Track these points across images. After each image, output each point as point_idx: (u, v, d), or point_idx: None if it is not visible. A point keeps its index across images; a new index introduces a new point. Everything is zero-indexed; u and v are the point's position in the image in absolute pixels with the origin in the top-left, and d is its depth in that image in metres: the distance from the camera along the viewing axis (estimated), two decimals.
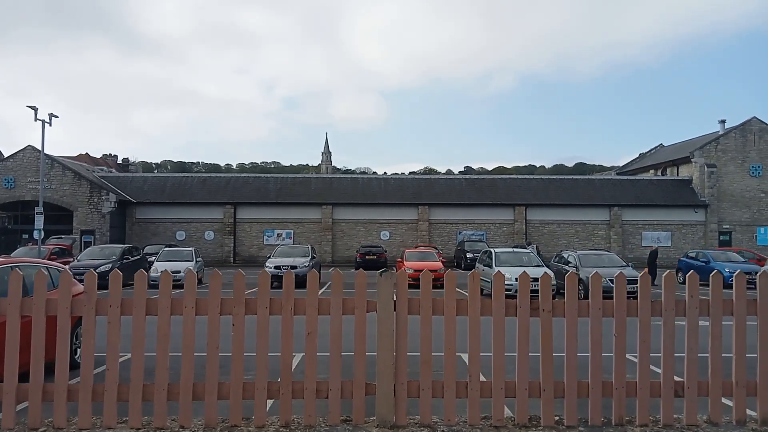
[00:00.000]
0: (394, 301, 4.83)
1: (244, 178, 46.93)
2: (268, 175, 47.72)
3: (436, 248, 39.28)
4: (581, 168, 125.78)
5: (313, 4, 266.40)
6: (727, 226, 42.37)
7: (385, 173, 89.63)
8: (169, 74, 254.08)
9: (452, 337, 4.84)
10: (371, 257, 36.41)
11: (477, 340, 4.85)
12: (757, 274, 5.05)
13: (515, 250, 24.25)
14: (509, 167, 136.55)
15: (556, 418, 4.90)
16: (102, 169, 76.92)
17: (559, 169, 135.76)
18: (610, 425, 4.84)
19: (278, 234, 42.86)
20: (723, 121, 44.70)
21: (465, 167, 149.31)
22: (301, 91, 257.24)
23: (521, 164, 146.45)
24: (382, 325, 4.79)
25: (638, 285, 4.98)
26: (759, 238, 40.97)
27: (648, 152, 55.20)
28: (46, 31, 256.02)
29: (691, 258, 29.70)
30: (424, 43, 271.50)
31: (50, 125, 24.34)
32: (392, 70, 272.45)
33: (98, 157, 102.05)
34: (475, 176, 56.38)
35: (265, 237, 42.75)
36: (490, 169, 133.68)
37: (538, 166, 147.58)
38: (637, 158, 55.55)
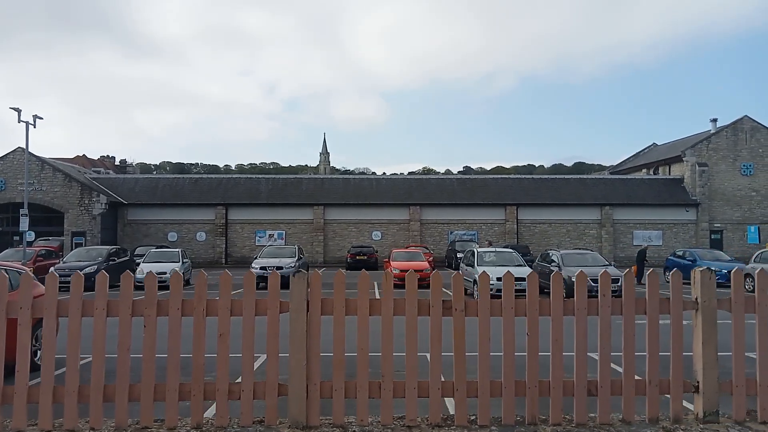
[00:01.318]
0: (308, 302, 4.85)
1: (235, 179, 46.96)
2: (260, 176, 47.79)
3: (426, 248, 39.34)
4: (580, 167, 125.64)
5: (314, 7, 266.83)
6: (719, 225, 42.35)
7: (384, 173, 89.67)
8: (171, 76, 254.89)
9: (365, 338, 4.86)
10: (362, 257, 36.50)
11: (390, 340, 4.87)
12: (670, 272, 5.05)
13: (498, 249, 24.25)
14: (508, 167, 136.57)
15: (471, 417, 4.91)
16: (99, 171, 76.94)
17: (558, 168, 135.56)
18: (523, 424, 4.86)
19: (270, 235, 42.89)
20: (715, 120, 44.69)
21: (464, 167, 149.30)
22: (302, 92, 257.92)
23: (520, 164, 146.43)
24: (294, 326, 4.81)
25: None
26: (749, 236, 40.94)
27: (641, 151, 55.19)
28: (49, 35, 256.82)
29: (679, 257, 29.73)
30: (425, 45, 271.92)
31: (35, 127, 24.43)
32: (393, 71, 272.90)
33: (96, 158, 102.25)
34: (467, 176, 56.41)
35: (257, 238, 42.78)
36: (488, 169, 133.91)
37: (537, 165, 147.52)
38: (630, 157, 55.53)
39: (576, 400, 4.90)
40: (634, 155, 55.39)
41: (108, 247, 28.20)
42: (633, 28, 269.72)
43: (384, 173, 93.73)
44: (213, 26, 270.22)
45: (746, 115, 42.91)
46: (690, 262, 27.50)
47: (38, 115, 24.34)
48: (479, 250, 23.48)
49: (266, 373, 4.80)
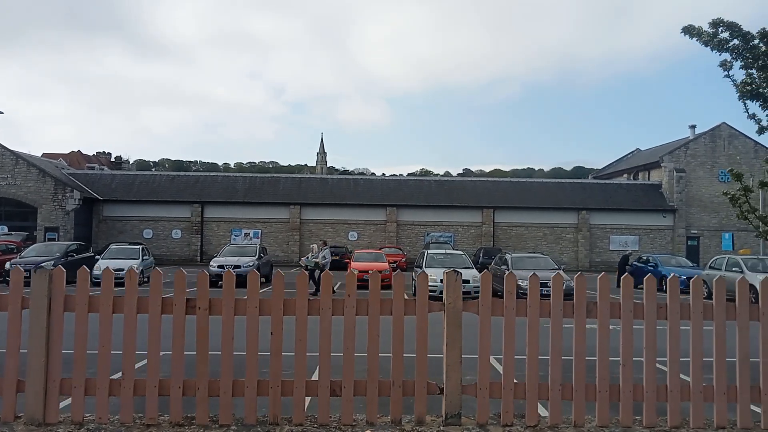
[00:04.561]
0: (50, 299, 4.83)
1: (212, 177, 47.05)
2: (237, 174, 47.86)
3: (401, 249, 39.34)
4: (579, 171, 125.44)
5: (322, 12, 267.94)
6: (695, 231, 42.15)
7: (383, 174, 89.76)
8: (180, 78, 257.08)
9: (107, 335, 4.84)
10: (334, 257, 36.45)
11: (133, 338, 4.85)
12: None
13: (448, 252, 24.24)
14: (507, 170, 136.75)
15: (212, 416, 4.89)
16: (94, 167, 77.13)
17: (557, 172, 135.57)
18: (265, 424, 4.83)
19: (246, 233, 42.89)
20: (693, 126, 44.52)
21: (464, 169, 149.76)
22: (308, 95, 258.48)
23: (520, 167, 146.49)
24: (33, 323, 4.79)
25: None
26: (723, 243, 40.72)
27: (624, 156, 55.03)
28: (61, 34, 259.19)
29: (643, 262, 29.61)
30: (431, 51, 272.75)
31: None
32: (398, 76, 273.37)
33: (91, 154, 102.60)
34: (445, 178, 56.35)
35: (233, 236, 42.76)
36: (488, 171, 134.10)
37: (537, 169, 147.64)
38: (613, 162, 55.38)
39: (320, 401, 4.87)
40: (616, 160, 55.27)
41: (67, 242, 28.27)
42: (637, 36, 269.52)
43: (384, 174, 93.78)
44: (223, 30, 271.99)
45: (724, 122, 42.69)
46: (652, 268, 27.45)
47: None
48: (429, 252, 23.46)
49: (5, 370, 4.79)
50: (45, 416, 4.75)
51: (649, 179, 45.93)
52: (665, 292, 4.99)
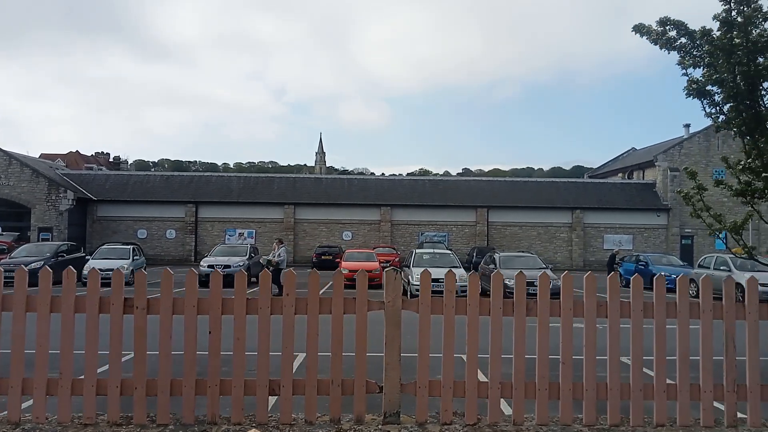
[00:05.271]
0: None
1: (207, 177, 47.05)
2: (231, 174, 47.90)
3: (395, 249, 39.30)
4: (578, 171, 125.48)
5: (324, 13, 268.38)
6: (689, 231, 42.07)
7: (383, 174, 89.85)
8: (181, 78, 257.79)
9: (45, 334, 4.83)
10: (327, 257, 36.55)
11: (71, 338, 4.84)
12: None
13: (437, 251, 24.22)
14: (506, 170, 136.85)
15: (151, 415, 4.88)
16: (92, 167, 77.14)
17: (556, 172, 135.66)
18: (203, 423, 4.82)
19: (240, 233, 42.87)
20: (687, 126, 44.42)
21: (463, 169, 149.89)
22: (308, 96, 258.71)
23: (519, 167, 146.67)
24: None
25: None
26: (717, 243, 40.60)
27: (619, 156, 54.95)
28: (64, 35, 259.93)
29: (633, 261, 29.63)
30: (430, 53, 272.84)
31: None
32: (398, 77, 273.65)
33: (90, 155, 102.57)
34: (439, 178, 56.31)
35: (227, 236, 42.76)
36: (486, 171, 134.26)
37: (536, 168, 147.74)
38: (608, 161, 55.31)
39: (258, 400, 4.86)
40: (611, 159, 55.20)
41: (58, 243, 28.26)
42: (637, 36, 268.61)
43: (383, 173, 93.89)
44: (224, 31, 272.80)
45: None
46: (643, 267, 27.45)
47: None
48: (417, 251, 23.45)
49: None
50: None
51: (643, 178, 45.87)
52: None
